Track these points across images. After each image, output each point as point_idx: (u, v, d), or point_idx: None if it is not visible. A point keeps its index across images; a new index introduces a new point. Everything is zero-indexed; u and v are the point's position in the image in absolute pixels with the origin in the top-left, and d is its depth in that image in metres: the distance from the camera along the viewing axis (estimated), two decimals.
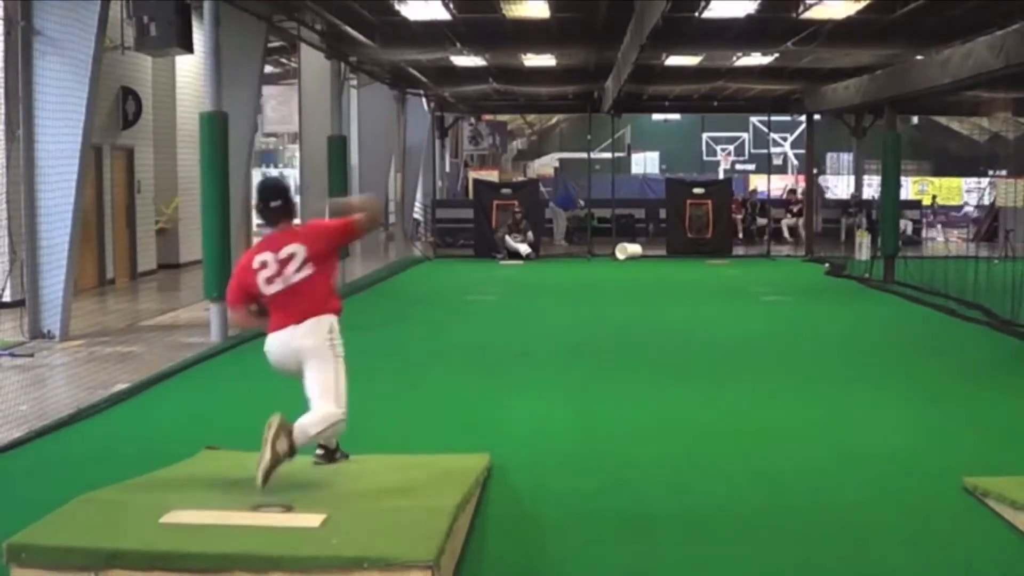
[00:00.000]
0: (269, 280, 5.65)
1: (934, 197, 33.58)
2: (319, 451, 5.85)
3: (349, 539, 4.33)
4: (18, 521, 4.64)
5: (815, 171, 29.09)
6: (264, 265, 5.67)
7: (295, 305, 5.62)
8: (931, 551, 5.01)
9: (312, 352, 5.60)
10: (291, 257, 5.64)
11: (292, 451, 5.28)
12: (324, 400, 5.57)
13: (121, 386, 8.59)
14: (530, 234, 22.67)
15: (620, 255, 22.85)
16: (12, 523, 4.63)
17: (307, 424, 5.45)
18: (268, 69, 21.48)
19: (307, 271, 5.64)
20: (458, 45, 17.31)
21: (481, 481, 5.73)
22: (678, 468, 6.48)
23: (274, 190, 5.85)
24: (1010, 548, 4.99)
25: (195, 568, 4.16)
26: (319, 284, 5.70)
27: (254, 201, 5.91)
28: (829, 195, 33.82)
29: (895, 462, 6.57)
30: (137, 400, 8.32)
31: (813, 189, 24.99)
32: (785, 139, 39.58)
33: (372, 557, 4.15)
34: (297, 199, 7.44)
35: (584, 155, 26.50)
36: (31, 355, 10.07)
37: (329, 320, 5.70)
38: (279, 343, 5.70)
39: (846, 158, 31.39)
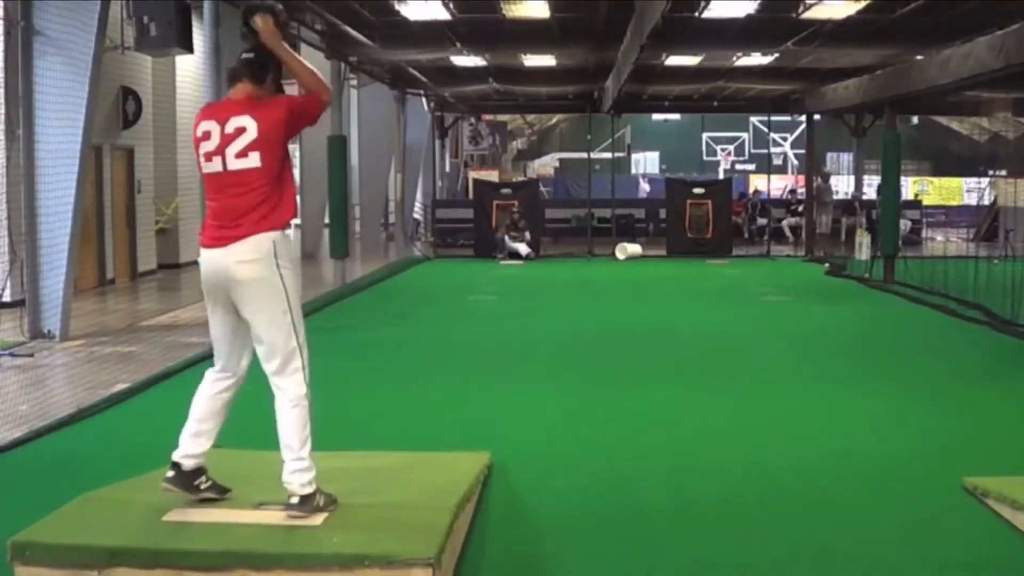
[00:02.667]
0: (207, 156, 4.46)
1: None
2: (170, 474, 4.72)
3: (350, 537, 4.34)
4: (19, 520, 4.65)
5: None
6: (207, 135, 4.47)
7: (231, 210, 4.39)
8: (931, 551, 5.01)
9: (253, 287, 4.34)
10: (238, 133, 4.40)
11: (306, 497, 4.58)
12: (285, 374, 4.41)
13: (121, 386, 8.59)
14: (527, 234, 22.67)
15: (620, 255, 22.84)
16: (13, 522, 4.64)
17: (290, 445, 4.47)
18: None
19: (253, 160, 4.38)
20: (458, 45, 17.31)
21: (481, 480, 5.73)
22: (677, 466, 6.48)
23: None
24: (1010, 548, 5.00)
25: (198, 565, 4.17)
26: (263, 182, 4.39)
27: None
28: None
29: (895, 461, 6.57)
30: (137, 400, 8.32)
31: (812, 189, 24.96)
32: (785, 139, 39.60)
33: (373, 555, 4.16)
34: (297, 199, 7.01)
35: (584, 155, 26.51)
36: (31, 355, 10.08)
37: (271, 238, 4.37)
38: (209, 263, 4.47)
39: (846, 158, 31.40)
